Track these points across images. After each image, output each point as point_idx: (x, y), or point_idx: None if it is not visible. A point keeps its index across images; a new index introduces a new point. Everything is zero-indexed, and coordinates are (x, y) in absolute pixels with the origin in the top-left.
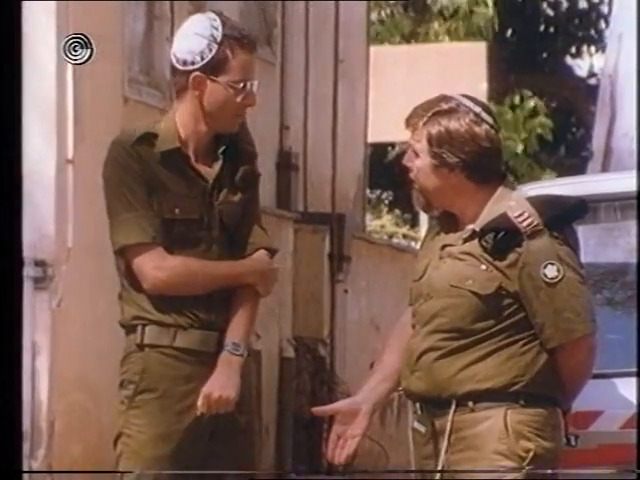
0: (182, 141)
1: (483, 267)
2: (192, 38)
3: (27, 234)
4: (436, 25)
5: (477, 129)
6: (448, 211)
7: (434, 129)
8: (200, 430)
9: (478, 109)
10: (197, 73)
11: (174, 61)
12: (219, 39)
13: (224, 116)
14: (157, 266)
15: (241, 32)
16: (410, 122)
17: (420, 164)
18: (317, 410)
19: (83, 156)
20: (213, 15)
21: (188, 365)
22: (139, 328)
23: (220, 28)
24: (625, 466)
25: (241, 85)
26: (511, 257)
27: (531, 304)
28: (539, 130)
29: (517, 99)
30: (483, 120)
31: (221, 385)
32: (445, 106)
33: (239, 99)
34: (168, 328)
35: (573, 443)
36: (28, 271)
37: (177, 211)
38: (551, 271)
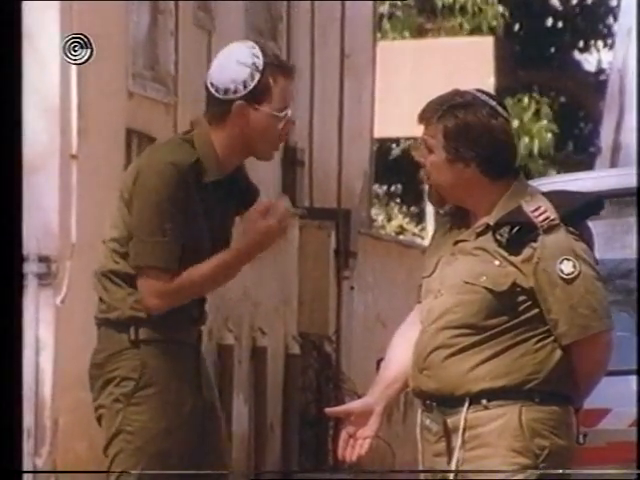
0: (222, 170)
1: (497, 263)
2: (234, 66)
3: (31, 230)
4: (444, 23)
5: (494, 122)
6: (460, 207)
7: (450, 122)
8: (193, 424)
9: (493, 102)
10: (240, 102)
11: (212, 90)
12: (261, 67)
13: (264, 145)
14: (157, 292)
15: (279, 58)
16: (423, 117)
17: (434, 159)
18: (330, 411)
19: (87, 151)
20: (251, 43)
21: (181, 359)
22: (132, 325)
23: (261, 56)
24: (633, 464)
25: (282, 114)
26: (526, 252)
27: (546, 300)
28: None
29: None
30: (499, 114)
31: None
32: (460, 99)
33: (279, 127)
34: (161, 323)
35: (581, 441)
36: (32, 267)
37: (191, 239)
38: (567, 267)
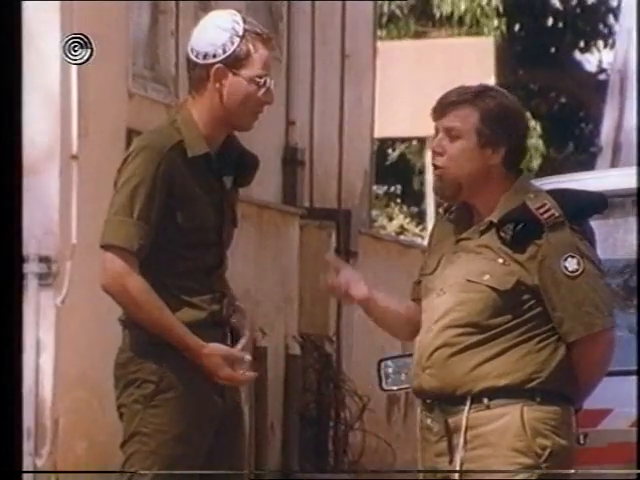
0: (208, 144)
1: (500, 261)
2: (213, 31)
3: (32, 230)
4: (442, 32)
5: (522, 110)
6: (464, 204)
7: (489, 104)
8: (209, 430)
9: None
10: (219, 65)
11: (192, 55)
12: (241, 33)
13: (243, 112)
14: (113, 271)
15: (260, 29)
16: (444, 103)
17: (461, 145)
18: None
19: (88, 152)
20: (233, 11)
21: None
22: None
23: (241, 23)
24: (634, 464)
25: (262, 81)
26: (530, 249)
27: (550, 297)
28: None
29: None
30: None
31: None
32: (488, 87)
33: (259, 95)
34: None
35: (582, 441)
36: (32, 267)
37: (197, 219)
38: (571, 264)
